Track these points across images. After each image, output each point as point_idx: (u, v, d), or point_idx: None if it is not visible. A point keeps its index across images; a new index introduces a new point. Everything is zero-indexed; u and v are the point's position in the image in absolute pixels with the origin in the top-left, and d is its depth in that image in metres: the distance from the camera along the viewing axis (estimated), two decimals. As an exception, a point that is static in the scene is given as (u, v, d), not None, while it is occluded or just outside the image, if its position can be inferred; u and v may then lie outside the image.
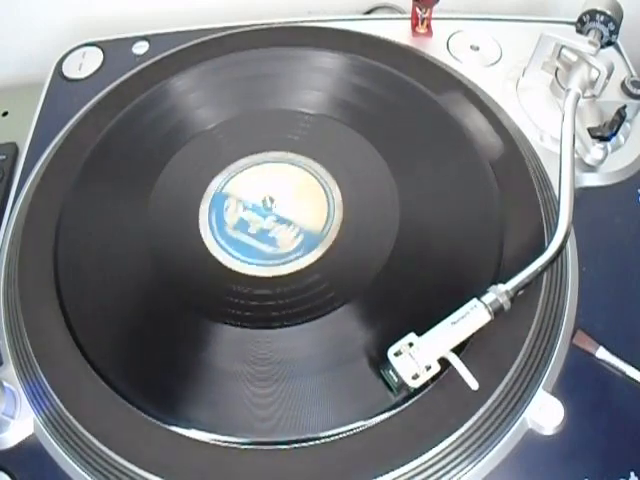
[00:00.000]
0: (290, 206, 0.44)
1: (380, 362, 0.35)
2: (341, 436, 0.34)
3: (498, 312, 0.35)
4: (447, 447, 0.34)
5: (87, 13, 0.65)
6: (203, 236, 0.43)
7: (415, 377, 0.33)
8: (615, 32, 0.45)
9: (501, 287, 0.36)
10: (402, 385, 0.34)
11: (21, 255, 0.42)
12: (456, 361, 0.34)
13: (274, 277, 0.41)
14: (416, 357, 0.34)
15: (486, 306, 0.35)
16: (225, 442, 0.35)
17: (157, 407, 0.36)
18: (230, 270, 0.41)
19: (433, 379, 0.35)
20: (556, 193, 0.40)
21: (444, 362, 0.34)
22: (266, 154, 0.47)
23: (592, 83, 0.45)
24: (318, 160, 0.46)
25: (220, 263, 0.42)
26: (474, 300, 0.35)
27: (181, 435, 0.35)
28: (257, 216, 0.44)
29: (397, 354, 0.34)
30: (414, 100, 0.48)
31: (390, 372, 0.34)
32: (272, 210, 0.44)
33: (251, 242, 0.42)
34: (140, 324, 0.40)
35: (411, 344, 0.34)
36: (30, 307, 0.40)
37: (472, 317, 0.35)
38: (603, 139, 0.43)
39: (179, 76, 0.51)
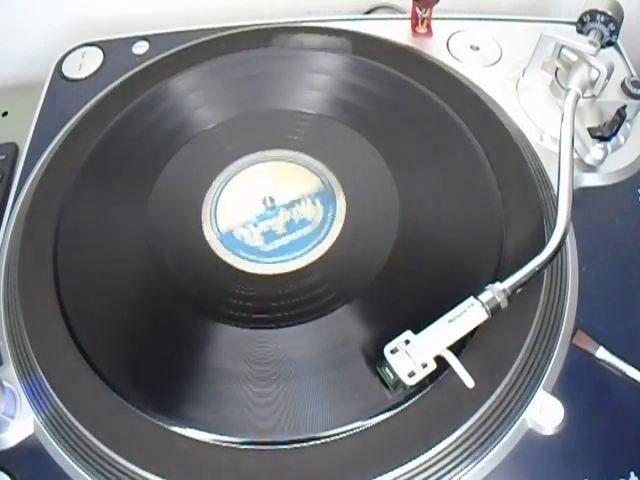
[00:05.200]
0: (289, 191, 0.45)
1: (377, 359, 0.35)
2: (341, 436, 0.34)
3: (495, 311, 0.35)
4: (447, 447, 0.34)
5: (87, 13, 0.65)
6: (205, 236, 0.43)
7: (411, 374, 0.34)
8: (615, 32, 0.45)
9: (498, 285, 0.36)
10: (398, 382, 0.34)
11: (21, 255, 0.42)
12: (452, 359, 0.34)
13: (274, 276, 0.41)
14: (412, 354, 0.34)
15: (483, 304, 0.35)
16: (225, 442, 0.35)
17: (157, 407, 0.36)
18: (231, 268, 0.41)
19: (432, 379, 0.35)
20: (556, 193, 0.40)
21: (443, 361, 0.34)
22: (266, 153, 0.47)
23: (592, 83, 0.45)
24: (318, 159, 0.46)
25: (222, 262, 0.42)
26: (471, 298, 0.35)
27: (181, 435, 0.35)
28: (271, 220, 0.44)
29: (393, 351, 0.34)
30: (414, 100, 0.48)
31: (386, 369, 0.34)
32: (276, 206, 0.44)
33: (288, 239, 0.42)
34: (140, 324, 0.40)
35: (407, 341, 0.34)
36: (30, 307, 0.40)
37: (469, 315, 0.35)
38: (603, 139, 0.43)
39: (179, 76, 0.51)
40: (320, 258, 0.41)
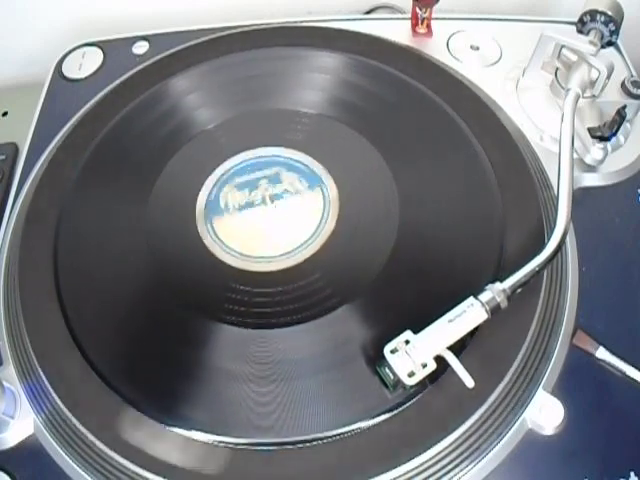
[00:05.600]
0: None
1: (377, 359, 0.35)
2: (341, 436, 0.34)
3: (495, 311, 0.35)
4: (447, 447, 0.34)
5: (87, 13, 0.65)
6: (202, 236, 0.43)
7: (411, 374, 0.34)
8: (615, 32, 0.45)
9: (498, 285, 0.36)
10: (398, 382, 0.34)
11: (21, 255, 0.42)
12: (452, 359, 0.34)
13: (273, 276, 0.41)
14: (412, 354, 0.34)
15: (483, 304, 0.35)
16: (225, 442, 0.35)
17: (157, 407, 0.36)
18: (230, 267, 0.41)
19: (432, 379, 0.35)
20: (556, 193, 0.40)
21: (443, 361, 0.34)
22: (266, 152, 0.47)
23: (592, 83, 0.45)
24: (318, 160, 0.46)
25: (220, 261, 0.42)
26: (471, 298, 0.35)
27: (181, 435, 0.35)
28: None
29: (393, 351, 0.34)
30: (414, 100, 0.48)
31: (386, 369, 0.34)
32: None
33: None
34: (140, 324, 0.40)
35: (407, 341, 0.34)
36: (30, 307, 0.40)
37: (469, 315, 0.35)
38: (603, 139, 0.43)
39: (179, 76, 0.51)
40: (319, 258, 0.41)
